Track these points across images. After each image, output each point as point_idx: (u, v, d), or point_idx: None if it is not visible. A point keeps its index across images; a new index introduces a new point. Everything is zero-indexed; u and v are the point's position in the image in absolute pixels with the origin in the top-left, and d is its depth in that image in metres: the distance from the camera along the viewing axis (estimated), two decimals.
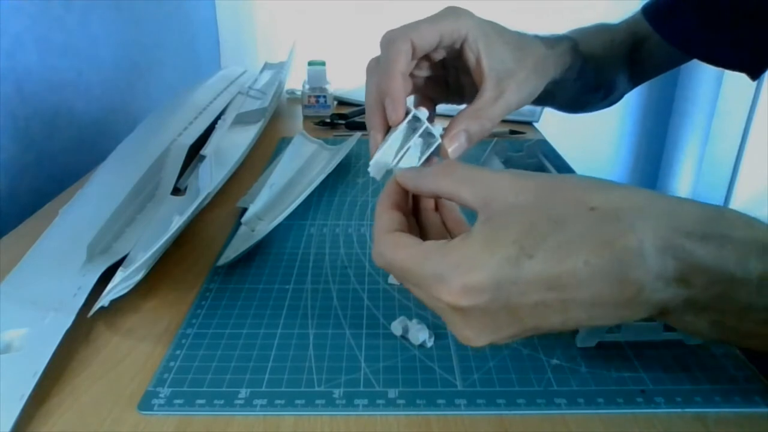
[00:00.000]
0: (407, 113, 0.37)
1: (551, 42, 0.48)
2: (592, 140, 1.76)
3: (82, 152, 0.83)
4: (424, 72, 0.43)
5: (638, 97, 1.78)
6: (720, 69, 0.63)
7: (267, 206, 0.57)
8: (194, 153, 0.66)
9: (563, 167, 0.73)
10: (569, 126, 1.21)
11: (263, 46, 1.60)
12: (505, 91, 0.41)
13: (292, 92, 1.07)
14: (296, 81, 1.01)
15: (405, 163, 0.38)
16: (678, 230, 0.27)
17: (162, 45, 1.15)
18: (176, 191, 0.60)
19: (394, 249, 0.32)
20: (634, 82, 0.67)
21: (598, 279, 0.27)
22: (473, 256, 0.28)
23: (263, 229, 0.53)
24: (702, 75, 1.64)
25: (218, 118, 0.73)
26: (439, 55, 0.42)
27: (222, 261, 0.49)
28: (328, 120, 0.90)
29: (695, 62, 0.61)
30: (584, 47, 0.55)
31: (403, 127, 0.37)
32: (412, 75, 0.42)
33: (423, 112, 0.37)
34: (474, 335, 0.30)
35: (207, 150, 0.63)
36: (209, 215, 0.58)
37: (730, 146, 1.59)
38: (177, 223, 0.45)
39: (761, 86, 1.47)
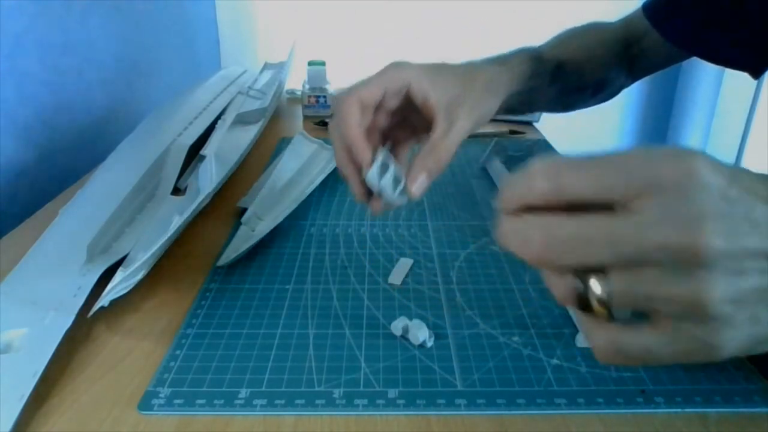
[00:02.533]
0: (375, 159, 0.42)
1: (503, 60, 0.51)
2: (592, 140, 1.76)
3: (82, 152, 0.83)
4: (384, 121, 0.46)
5: (638, 96, 1.78)
6: (721, 68, 0.63)
7: (267, 206, 0.57)
8: (194, 153, 0.66)
9: None
10: (569, 126, 1.21)
11: (263, 46, 1.60)
12: (455, 120, 0.43)
13: (292, 92, 1.07)
14: (296, 81, 1.01)
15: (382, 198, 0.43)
16: None
17: (162, 45, 1.15)
18: (176, 191, 0.60)
19: None
20: (634, 77, 0.68)
21: None
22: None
23: (263, 229, 0.53)
24: (702, 75, 1.64)
25: (218, 118, 0.73)
26: (392, 104, 0.45)
27: (222, 261, 0.49)
28: (328, 120, 0.90)
29: (696, 61, 0.61)
30: (559, 53, 0.58)
31: (374, 172, 0.42)
32: (376, 125, 0.45)
33: (388, 156, 0.42)
34: (722, 232, 0.22)
35: (207, 150, 0.63)
36: (209, 215, 0.58)
37: (730, 146, 1.59)
38: (177, 223, 0.45)
39: (761, 86, 1.47)
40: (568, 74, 0.59)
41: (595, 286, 0.24)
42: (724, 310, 0.23)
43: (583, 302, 0.25)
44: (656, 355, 0.25)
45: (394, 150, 0.48)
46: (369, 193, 0.44)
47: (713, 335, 0.23)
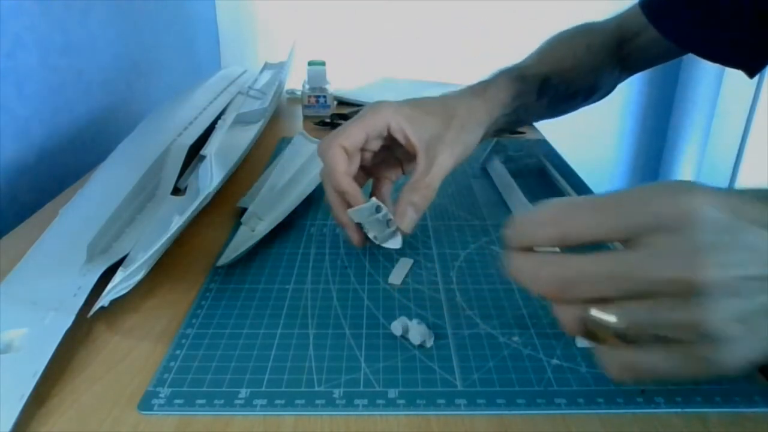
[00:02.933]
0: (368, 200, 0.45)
1: (483, 87, 0.53)
2: (592, 140, 1.76)
3: (82, 152, 0.83)
4: (370, 161, 0.49)
5: (638, 96, 1.78)
6: (720, 68, 0.64)
7: (267, 206, 0.57)
8: (194, 153, 0.66)
9: (563, 167, 0.73)
10: (569, 126, 1.21)
11: (263, 46, 1.60)
12: (436, 156, 0.46)
13: (292, 92, 1.07)
14: (296, 81, 1.01)
15: (371, 233, 0.47)
16: None
17: (162, 45, 1.15)
18: (176, 191, 0.60)
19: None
20: (628, 73, 0.68)
21: None
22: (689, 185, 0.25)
23: (263, 229, 0.53)
24: (702, 75, 1.64)
25: (218, 118, 0.73)
26: (376, 146, 0.48)
27: (222, 261, 0.49)
28: (328, 120, 0.90)
29: (696, 61, 0.61)
30: (544, 67, 0.59)
31: (364, 208, 0.45)
32: (361, 166, 0.48)
33: (378, 204, 0.45)
34: (720, 264, 0.24)
35: (207, 150, 0.63)
36: (209, 215, 0.58)
37: (730, 146, 1.59)
38: (177, 223, 0.45)
39: (761, 86, 1.47)
40: (555, 86, 0.59)
41: (601, 316, 0.26)
42: (727, 331, 0.24)
43: (591, 332, 0.26)
44: (667, 372, 0.26)
45: (377, 184, 0.51)
46: (367, 238, 0.47)
47: (720, 354, 0.24)
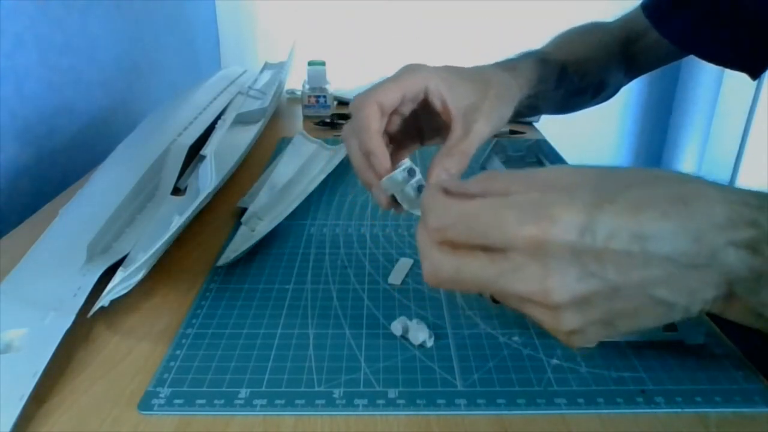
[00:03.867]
0: (399, 166, 0.42)
1: (512, 64, 0.52)
2: (592, 140, 1.76)
3: (82, 152, 0.83)
4: (396, 126, 0.46)
5: (638, 97, 1.78)
6: (720, 69, 0.64)
7: (267, 206, 0.57)
8: (194, 153, 0.66)
9: None
10: (569, 126, 1.21)
11: (263, 46, 1.60)
12: (472, 125, 0.44)
13: (292, 92, 1.07)
14: (296, 81, 1.01)
15: (403, 202, 0.43)
16: (742, 201, 0.28)
17: (162, 45, 1.15)
18: (176, 191, 0.60)
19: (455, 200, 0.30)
20: (631, 76, 0.68)
21: (677, 232, 0.28)
22: (555, 198, 0.28)
23: (263, 229, 0.53)
24: (702, 75, 1.64)
25: (218, 118, 0.73)
26: (408, 109, 0.45)
27: (222, 261, 0.49)
28: (328, 120, 0.90)
29: (696, 62, 0.61)
30: (562, 55, 0.58)
31: (396, 175, 0.42)
32: (385, 131, 0.45)
33: (412, 166, 0.42)
34: (557, 283, 0.27)
35: (207, 150, 0.63)
36: (209, 215, 0.58)
37: (730, 146, 1.59)
38: (177, 223, 0.45)
39: (761, 86, 1.47)
40: (570, 77, 0.59)
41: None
42: (576, 335, 0.29)
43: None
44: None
45: (395, 154, 0.48)
46: (393, 200, 0.44)
47: (567, 337, 0.29)
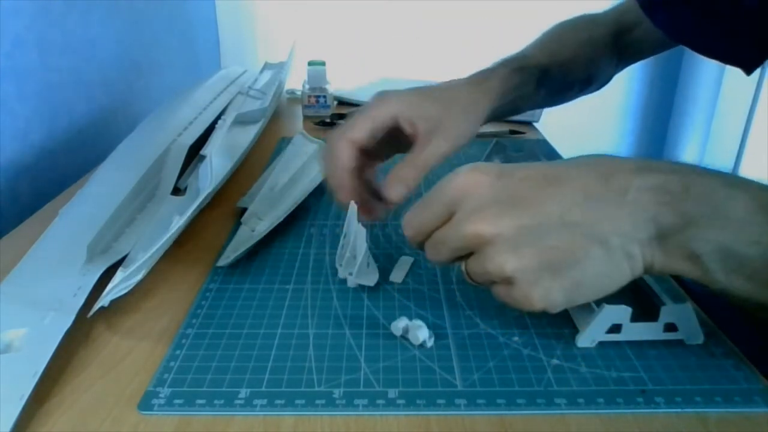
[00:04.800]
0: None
1: (484, 77, 0.56)
2: (592, 140, 1.76)
3: (82, 152, 0.83)
4: (374, 145, 0.50)
5: (638, 96, 1.78)
6: (720, 69, 0.65)
7: (267, 206, 0.57)
8: (194, 153, 0.66)
9: None
10: (569, 126, 1.21)
11: (263, 46, 1.60)
12: (432, 140, 0.49)
13: (292, 92, 1.07)
14: (296, 81, 1.01)
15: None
16: (652, 165, 0.35)
17: (162, 45, 1.15)
18: (176, 191, 0.60)
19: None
20: (624, 64, 0.70)
21: (586, 172, 0.34)
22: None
23: (263, 229, 0.53)
24: (702, 75, 1.64)
25: (218, 118, 0.73)
26: (380, 134, 0.50)
27: (222, 261, 0.49)
28: (328, 120, 0.90)
29: (696, 62, 0.61)
30: (544, 57, 0.61)
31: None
32: (364, 148, 0.50)
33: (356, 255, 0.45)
34: (490, 219, 0.33)
35: (207, 150, 0.63)
36: (209, 215, 0.58)
37: (731, 146, 1.59)
38: (177, 223, 0.45)
39: (761, 86, 1.47)
40: (553, 77, 0.61)
41: (461, 267, 0.38)
42: (519, 275, 0.33)
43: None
44: (512, 305, 0.36)
45: (371, 163, 0.53)
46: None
47: (523, 292, 0.34)
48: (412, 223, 0.38)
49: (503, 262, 0.33)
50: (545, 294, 0.34)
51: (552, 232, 0.33)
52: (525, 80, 0.58)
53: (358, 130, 0.49)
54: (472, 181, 0.35)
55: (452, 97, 0.52)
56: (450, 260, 0.37)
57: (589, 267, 0.33)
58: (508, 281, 0.34)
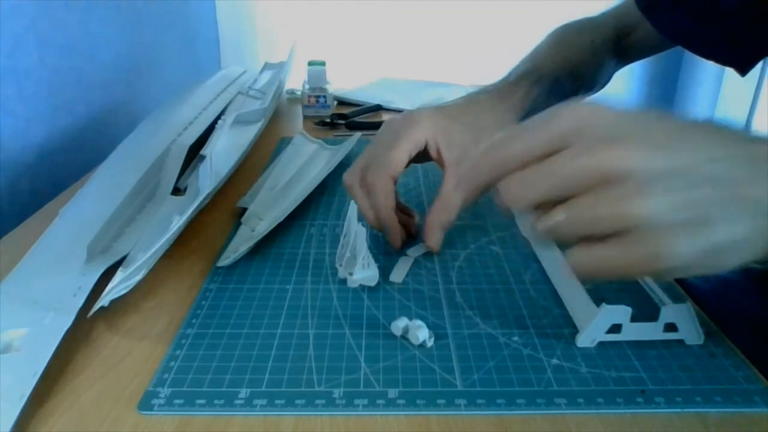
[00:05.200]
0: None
1: (509, 92, 0.56)
2: None
3: (82, 152, 0.83)
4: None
5: (638, 96, 1.78)
6: (720, 69, 0.66)
7: (267, 206, 0.57)
8: (194, 153, 0.66)
9: None
10: None
11: (263, 46, 1.60)
12: None
13: (292, 92, 1.07)
14: (296, 81, 1.01)
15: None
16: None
17: (162, 45, 1.15)
18: (176, 191, 0.60)
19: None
20: (624, 64, 0.72)
21: (716, 132, 0.31)
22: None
23: (263, 229, 0.53)
24: (702, 75, 1.64)
25: (218, 118, 0.73)
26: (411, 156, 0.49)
27: (222, 261, 0.49)
28: (328, 120, 0.90)
29: (696, 62, 0.62)
30: (556, 67, 0.62)
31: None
32: None
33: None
34: (635, 152, 0.28)
35: (207, 150, 0.63)
36: (209, 215, 0.58)
37: None
38: (177, 223, 0.45)
39: (761, 86, 1.47)
40: (563, 84, 0.62)
41: (553, 218, 0.30)
42: (657, 222, 0.28)
43: (556, 236, 0.31)
44: (610, 266, 0.30)
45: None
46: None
47: (652, 245, 0.28)
48: (506, 149, 0.32)
49: (650, 203, 0.27)
50: (679, 251, 0.28)
51: (706, 183, 0.28)
52: (541, 92, 0.59)
53: (397, 165, 0.47)
54: (593, 112, 0.30)
55: (481, 124, 0.52)
56: (539, 201, 0.31)
57: (737, 229, 0.29)
58: (635, 230, 0.28)
